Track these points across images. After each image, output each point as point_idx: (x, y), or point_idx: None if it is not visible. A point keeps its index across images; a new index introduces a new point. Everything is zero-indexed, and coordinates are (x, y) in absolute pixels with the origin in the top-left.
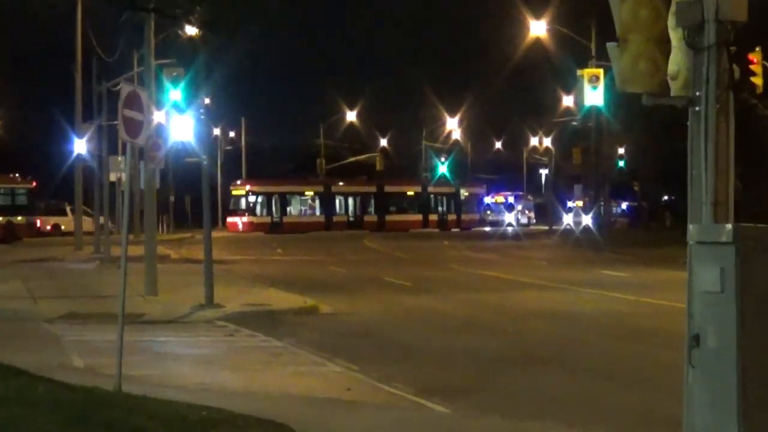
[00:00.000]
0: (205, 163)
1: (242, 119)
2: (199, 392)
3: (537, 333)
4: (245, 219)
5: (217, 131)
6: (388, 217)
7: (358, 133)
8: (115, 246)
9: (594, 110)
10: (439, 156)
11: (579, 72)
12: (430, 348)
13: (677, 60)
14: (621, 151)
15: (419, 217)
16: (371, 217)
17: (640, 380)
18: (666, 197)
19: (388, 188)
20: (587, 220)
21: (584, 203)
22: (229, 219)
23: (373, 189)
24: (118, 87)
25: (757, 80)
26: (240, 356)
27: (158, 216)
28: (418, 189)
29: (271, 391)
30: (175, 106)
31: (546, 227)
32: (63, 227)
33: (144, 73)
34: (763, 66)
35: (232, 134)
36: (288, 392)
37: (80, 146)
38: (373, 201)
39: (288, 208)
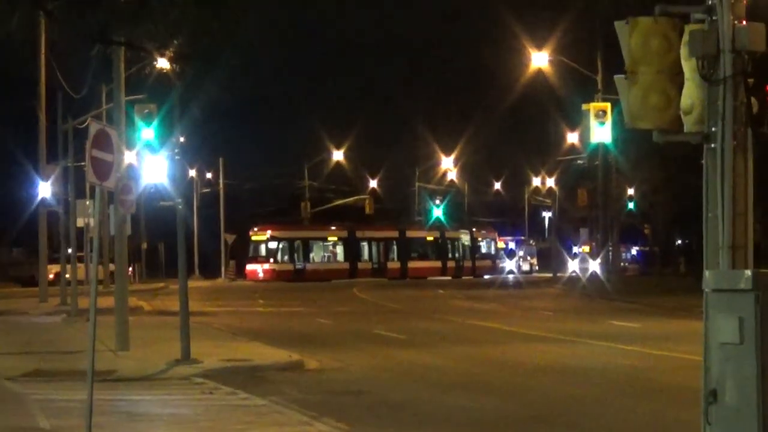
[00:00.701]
0: (180, 206)
1: (220, 159)
2: None
3: (543, 390)
4: (267, 266)
5: (192, 173)
6: (411, 264)
7: (345, 174)
8: (82, 297)
9: (601, 148)
10: (433, 198)
11: (584, 106)
12: (425, 407)
13: (691, 93)
14: (630, 191)
15: (438, 263)
16: (394, 264)
17: None
18: (679, 241)
19: (409, 233)
20: (594, 266)
21: (591, 248)
22: (249, 266)
23: (395, 234)
24: (85, 125)
25: None
26: (219, 416)
27: (129, 265)
28: (437, 234)
29: None
30: (148, 146)
31: (550, 274)
32: (67, 276)
33: (113, 110)
34: None
35: (209, 175)
36: None
37: (44, 189)
38: (395, 247)
39: (311, 255)
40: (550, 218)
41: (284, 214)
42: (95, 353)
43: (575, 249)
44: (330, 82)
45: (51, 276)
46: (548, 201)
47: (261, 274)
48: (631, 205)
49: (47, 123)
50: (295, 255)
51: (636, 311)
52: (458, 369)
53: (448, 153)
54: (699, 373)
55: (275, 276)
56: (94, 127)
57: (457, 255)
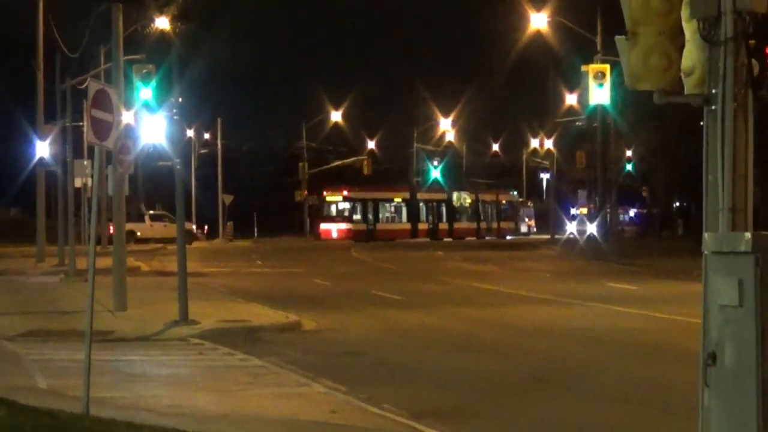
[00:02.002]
0: (178, 167)
1: (218, 120)
2: (173, 416)
3: (541, 352)
4: (342, 226)
5: (190, 133)
6: (456, 225)
7: (343, 134)
8: (80, 258)
9: (600, 110)
10: (431, 159)
11: (583, 68)
12: (424, 368)
13: (692, 55)
14: (629, 153)
15: (474, 225)
16: (444, 225)
17: (656, 404)
18: (678, 204)
19: (456, 196)
20: (592, 228)
21: (589, 210)
22: (323, 226)
23: (444, 197)
24: (84, 85)
25: None
26: (217, 376)
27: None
28: (474, 197)
29: (250, 414)
30: (146, 106)
31: (548, 236)
32: (138, 234)
33: (112, 69)
34: None
35: (207, 136)
36: (268, 415)
37: (42, 149)
38: (444, 209)
39: (380, 215)
40: (548, 180)
41: (283, 174)
42: (93, 313)
43: (573, 211)
44: (329, 44)
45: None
46: (546, 163)
47: (335, 234)
48: (629, 168)
49: (45, 83)
50: (368, 215)
51: (634, 273)
52: (457, 330)
53: (446, 114)
54: (698, 335)
55: (350, 235)
56: (93, 87)
57: (487, 217)
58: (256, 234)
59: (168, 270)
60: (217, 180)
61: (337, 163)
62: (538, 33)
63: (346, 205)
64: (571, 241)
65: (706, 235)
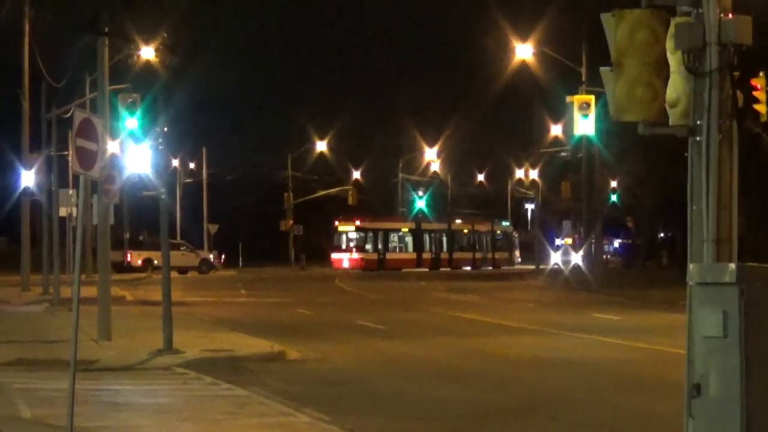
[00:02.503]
0: (163, 196)
1: (203, 149)
2: None
3: (526, 382)
4: (354, 255)
5: (176, 162)
6: (455, 255)
7: (328, 164)
8: (65, 287)
9: (585, 140)
10: (416, 189)
11: (568, 99)
12: (407, 398)
13: (676, 86)
14: (614, 184)
15: (470, 255)
16: (445, 255)
17: None
18: (663, 234)
19: (454, 226)
20: (577, 258)
21: (574, 240)
22: (334, 255)
23: (445, 227)
24: (69, 114)
25: (761, 108)
26: (201, 406)
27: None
28: (470, 228)
29: None
30: (131, 135)
31: (532, 266)
32: (156, 262)
33: (97, 99)
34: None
35: (192, 166)
36: None
37: (28, 178)
38: (445, 239)
39: (389, 245)
40: (533, 210)
41: (268, 203)
42: (77, 343)
43: (558, 241)
44: (314, 74)
45: (139, 262)
46: (531, 193)
47: (347, 264)
48: (614, 198)
49: (31, 112)
50: (379, 245)
51: (618, 304)
52: (441, 360)
53: (431, 144)
54: (682, 366)
55: (362, 264)
56: (78, 116)
57: (482, 247)
58: (241, 263)
59: (152, 299)
60: (202, 209)
61: (322, 192)
62: (524, 63)
63: (358, 235)
64: (556, 272)
65: (690, 265)
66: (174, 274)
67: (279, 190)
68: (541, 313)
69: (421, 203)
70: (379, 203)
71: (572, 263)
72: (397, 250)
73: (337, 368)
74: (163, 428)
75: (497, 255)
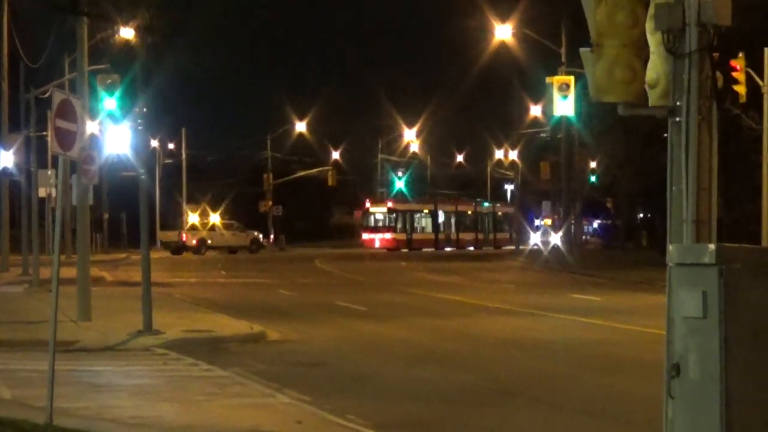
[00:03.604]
0: (143, 177)
1: (182, 130)
2: (137, 426)
3: (507, 363)
4: (387, 236)
5: (155, 143)
6: (461, 236)
7: (308, 145)
8: (44, 268)
9: (564, 121)
10: (396, 170)
11: (548, 79)
12: (389, 379)
13: (656, 67)
14: (593, 165)
15: (474, 236)
16: (453, 235)
17: (620, 415)
18: (642, 215)
19: (460, 207)
20: (556, 239)
21: (553, 221)
22: (366, 236)
23: (453, 209)
24: (48, 95)
25: (740, 89)
26: (181, 387)
27: (91, 235)
28: (473, 209)
29: (215, 424)
30: (110, 116)
31: (512, 247)
32: (209, 242)
33: (76, 80)
34: (746, 73)
35: (171, 146)
36: (233, 426)
37: (6, 159)
38: (453, 220)
39: (415, 226)
40: (512, 191)
41: (247, 184)
42: (57, 323)
43: (537, 222)
44: (294, 54)
45: (194, 242)
46: (511, 174)
47: (378, 243)
48: (593, 179)
49: (9, 92)
50: (407, 225)
51: (598, 285)
52: (421, 341)
53: (411, 125)
54: (661, 347)
55: (393, 244)
56: (57, 97)
57: (487, 228)
58: None
59: (132, 280)
60: (182, 190)
61: (302, 173)
62: (503, 44)
63: (389, 216)
64: (536, 253)
65: (670, 246)
66: (223, 254)
67: (259, 172)
68: (521, 294)
69: (400, 184)
70: (358, 184)
71: (551, 244)
72: (420, 230)
73: (317, 349)
74: (143, 409)
75: (499, 235)
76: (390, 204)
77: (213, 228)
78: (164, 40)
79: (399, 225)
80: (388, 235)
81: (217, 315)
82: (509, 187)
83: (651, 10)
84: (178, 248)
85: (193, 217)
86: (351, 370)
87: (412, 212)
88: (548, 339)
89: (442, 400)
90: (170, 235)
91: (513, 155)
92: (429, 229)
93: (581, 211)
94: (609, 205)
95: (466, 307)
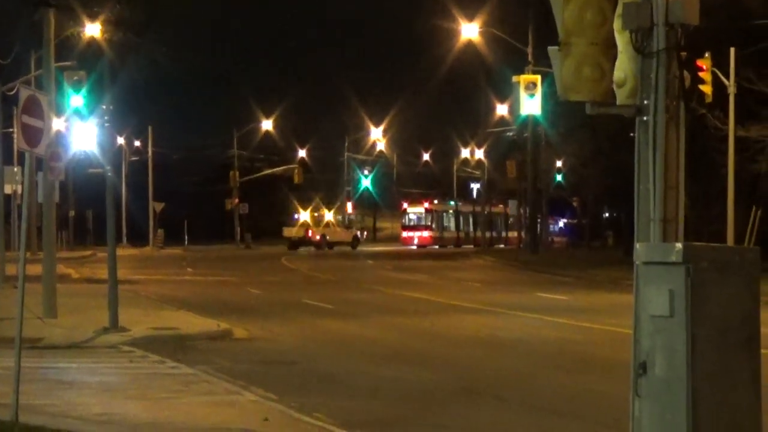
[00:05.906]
0: (109, 174)
1: (149, 128)
2: (103, 423)
3: (472, 362)
4: (425, 233)
5: (121, 140)
6: (477, 234)
7: (275, 143)
8: (9, 264)
9: (531, 120)
10: (362, 168)
11: (515, 78)
12: (355, 377)
13: (624, 66)
14: (559, 164)
15: (487, 234)
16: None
17: (587, 414)
18: (608, 214)
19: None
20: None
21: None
22: (405, 234)
23: (470, 210)
24: (15, 91)
25: (707, 88)
26: (147, 384)
27: (57, 232)
28: (487, 209)
29: (181, 422)
30: (77, 113)
31: (477, 245)
32: (328, 237)
33: (43, 76)
34: (713, 73)
35: (137, 144)
36: (199, 424)
37: None
38: (471, 220)
39: (444, 225)
40: (478, 190)
41: (214, 182)
42: (23, 320)
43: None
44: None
45: (318, 238)
46: (477, 173)
47: (416, 241)
48: (559, 178)
49: None
50: (441, 225)
51: (564, 283)
52: (387, 340)
53: (377, 124)
54: (628, 345)
55: (431, 242)
56: (24, 93)
57: (497, 226)
58: (186, 242)
59: (98, 277)
60: (148, 188)
61: (268, 171)
62: (471, 43)
63: (427, 216)
64: (501, 251)
65: (637, 245)
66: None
67: (225, 169)
68: (487, 292)
69: (366, 182)
70: (324, 182)
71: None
72: (448, 229)
73: (284, 347)
74: (110, 406)
75: (509, 234)
76: (427, 205)
77: (328, 225)
78: (131, 37)
79: (435, 224)
80: (425, 233)
81: (184, 312)
82: (475, 186)
83: (619, 9)
84: (297, 243)
85: (304, 215)
86: (317, 368)
87: (445, 212)
88: (515, 338)
89: (409, 399)
90: (293, 231)
91: (479, 154)
92: (452, 228)
93: (547, 210)
94: (575, 204)
95: (432, 306)
